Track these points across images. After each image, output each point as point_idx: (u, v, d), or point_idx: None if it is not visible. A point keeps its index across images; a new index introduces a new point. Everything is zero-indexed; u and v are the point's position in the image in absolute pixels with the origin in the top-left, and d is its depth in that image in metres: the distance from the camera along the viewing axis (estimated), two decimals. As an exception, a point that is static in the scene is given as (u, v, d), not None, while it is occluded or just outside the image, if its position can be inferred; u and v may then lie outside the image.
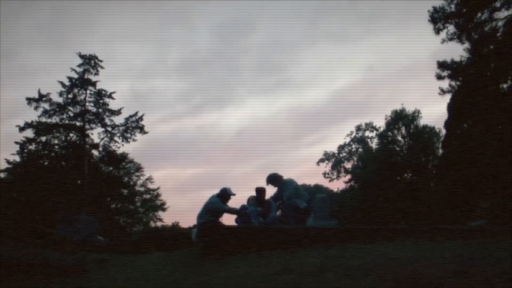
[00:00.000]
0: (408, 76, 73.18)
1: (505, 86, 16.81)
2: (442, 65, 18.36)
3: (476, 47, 16.38)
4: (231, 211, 7.20)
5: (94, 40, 64.05)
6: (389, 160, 28.81)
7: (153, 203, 40.50)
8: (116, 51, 66.91)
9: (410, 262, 3.68)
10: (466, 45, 16.68)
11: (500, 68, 15.89)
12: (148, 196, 40.99)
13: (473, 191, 12.47)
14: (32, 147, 25.94)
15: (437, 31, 17.08)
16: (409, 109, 34.17)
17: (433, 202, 14.13)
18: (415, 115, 33.07)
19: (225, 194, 7.01)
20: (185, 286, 4.25)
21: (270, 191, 8.14)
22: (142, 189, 40.78)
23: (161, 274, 5.05)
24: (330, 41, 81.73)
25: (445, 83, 17.52)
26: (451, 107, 16.83)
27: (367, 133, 42.55)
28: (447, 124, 17.55)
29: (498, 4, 16.48)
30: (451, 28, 16.99)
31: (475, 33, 16.73)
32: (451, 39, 16.81)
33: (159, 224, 37.69)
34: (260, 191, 7.73)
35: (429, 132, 30.55)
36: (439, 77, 18.49)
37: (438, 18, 16.84)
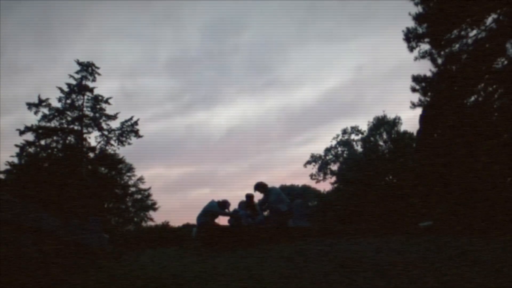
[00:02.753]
0: (397, 76, 75.12)
1: (471, 100, 18.60)
2: (416, 79, 20.10)
3: (444, 65, 18.15)
4: (226, 214, 8.80)
5: (83, 38, 64.78)
6: (371, 164, 30.59)
7: (144, 203, 41.77)
8: (105, 50, 67.66)
9: (354, 250, 5.29)
10: (437, 62, 18.44)
11: (465, 85, 17.64)
12: (139, 196, 42.28)
13: (432, 196, 14.21)
14: (32, 149, 27.17)
15: (411, 49, 18.80)
16: (390, 115, 36.28)
17: (401, 204, 15.87)
18: (396, 121, 35.12)
19: (223, 202, 8.62)
20: (193, 272, 5.71)
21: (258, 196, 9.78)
22: (133, 189, 42.10)
23: (172, 263, 6.53)
24: (320, 41, 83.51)
25: (418, 96, 19.26)
26: (422, 119, 18.60)
27: (353, 136, 44.54)
28: (419, 134, 19.33)
29: (466, 25, 18.19)
30: (423, 46, 18.74)
31: (444, 52, 18.49)
32: (423, 57, 18.58)
33: (150, 223, 39.07)
34: (249, 197, 9.35)
35: (408, 138, 32.49)
36: (414, 90, 20.23)
37: (411, 38, 18.58)
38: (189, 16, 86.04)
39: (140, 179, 41.46)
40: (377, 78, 74.46)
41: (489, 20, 17.10)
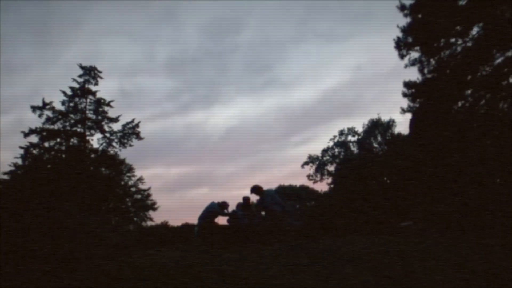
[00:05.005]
0: (396, 77, 75.85)
1: (459, 105, 19.47)
2: (407, 84, 20.98)
3: (433, 72, 19.02)
4: (225, 214, 9.69)
5: (81, 38, 65.40)
6: (365, 165, 31.42)
7: (144, 203, 42.58)
8: (103, 49, 68.34)
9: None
10: (426, 70, 19.31)
11: (453, 91, 18.51)
12: (139, 196, 43.09)
13: (415, 197, 15.14)
14: (35, 151, 27.99)
15: (401, 56, 19.67)
16: (385, 118, 37.32)
17: (389, 204, 16.76)
18: (390, 123, 36.10)
19: (223, 204, 9.52)
20: (196, 264, 6.58)
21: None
22: (133, 189, 42.90)
23: (179, 257, 7.39)
24: (319, 41, 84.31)
25: (408, 102, 20.14)
26: (412, 123, 19.49)
27: (350, 137, 45.47)
28: (409, 138, 20.23)
29: (453, 36, 19.04)
30: (413, 54, 19.62)
31: (434, 59, 19.35)
32: (412, 65, 19.45)
33: (149, 223, 39.92)
34: (246, 199, 10.24)
35: (402, 140, 33.35)
36: (405, 95, 21.11)
37: (402, 46, 19.44)
38: (187, 15, 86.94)
39: (140, 179, 42.43)
40: (376, 78, 75.29)
41: (475, 30, 18.00)
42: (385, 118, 37.80)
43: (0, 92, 54.71)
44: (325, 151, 47.32)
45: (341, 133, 45.70)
